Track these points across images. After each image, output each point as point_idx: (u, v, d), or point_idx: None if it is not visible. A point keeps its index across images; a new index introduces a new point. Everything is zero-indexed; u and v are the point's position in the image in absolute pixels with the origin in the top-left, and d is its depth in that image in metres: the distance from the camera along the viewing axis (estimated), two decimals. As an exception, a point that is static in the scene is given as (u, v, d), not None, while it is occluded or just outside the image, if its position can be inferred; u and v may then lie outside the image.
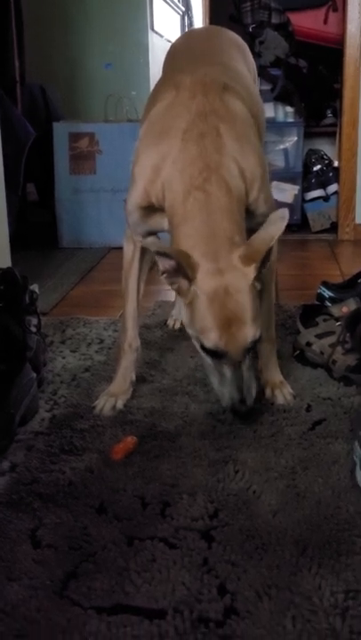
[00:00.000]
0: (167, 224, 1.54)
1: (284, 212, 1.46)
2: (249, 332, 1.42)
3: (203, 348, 1.45)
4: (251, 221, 1.58)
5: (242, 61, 1.93)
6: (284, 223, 1.45)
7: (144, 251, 1.74)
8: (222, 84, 1.59)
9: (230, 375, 1.46)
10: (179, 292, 1.46)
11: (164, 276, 1.44)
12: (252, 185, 1.54)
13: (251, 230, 1.51)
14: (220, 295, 1.41)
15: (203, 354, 1.48)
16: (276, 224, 1.45)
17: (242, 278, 1.42)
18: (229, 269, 1.42)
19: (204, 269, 1.41)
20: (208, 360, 1.47)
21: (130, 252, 1.74)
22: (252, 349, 1.47)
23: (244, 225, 1.50)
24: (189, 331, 1.48)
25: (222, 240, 1.43)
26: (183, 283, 1.44)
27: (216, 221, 1.44)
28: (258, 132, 1.71)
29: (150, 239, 1.52)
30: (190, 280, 1.42)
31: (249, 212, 1.57)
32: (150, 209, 1.59)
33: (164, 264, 1.42)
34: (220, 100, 1.55)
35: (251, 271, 1.42)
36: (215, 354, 1.44)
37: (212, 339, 1.42)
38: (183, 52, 1.95)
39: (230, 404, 1.48)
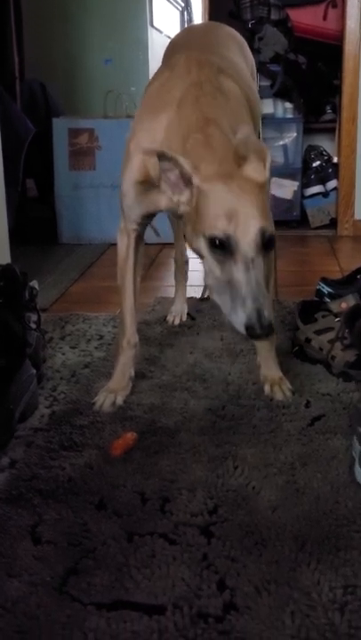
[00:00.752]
0: (164, 202, 1.51)
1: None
2: (259, 222, 1.28)
3: (212, 244, 1.30)
4: None
5: (239, 55, 1.93)
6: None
7: (138, 244, 1.74)
8: (217, 66, 1.58)
9: (243, 277, 1.27)
10: (182, 202, 1.37)
11: (166, 185, 1.37)
12: None
13: None
14: (226, 192, 1.31)
15: (211, 260, 1.32)
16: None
17: (250, 181, 1.33)
18: (235, 173, 1.33)
19: (209, 173, 1.33)
20: (218, 269, 1.31)
21: (124, 246, 1.74)
22: (266, 251, 1.31)
23: None
24: (194, 239, 1.35)
25: (226, 159, 1.36)
26: (186, 192, 1.35)
27: (218, 149, 1.38)
28: (252, 119, 1.70)
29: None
30: (193, 182, 1.33)
31: None
32: (146, 186, 1.56)
33: (166, 174, 1.35)
34: (215, 77, 1.54)
35: (260, 176, 1.34)
36: (224, 249, 1.28)
37: (220, 225, 1.28)
38: (182, 45, 1.95)
39: (245, 322, 1.27)
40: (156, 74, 1.71)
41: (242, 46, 2.03)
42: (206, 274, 1.37)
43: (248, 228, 1.28)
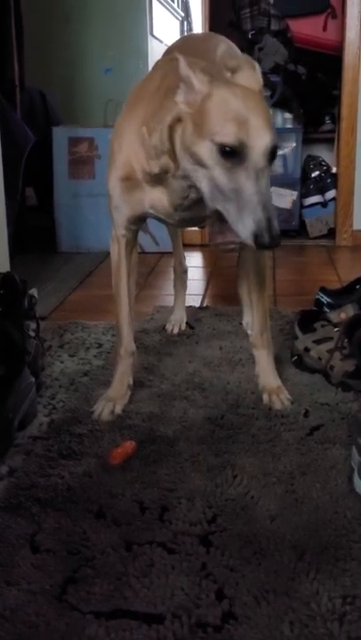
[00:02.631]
0: (147, 200, 1.54)
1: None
2: (269, 131, 1.28)
3: (221, 150, 1.27)
4: None
5: None
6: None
7: (130, 250, 1.74)
8: (202, 68, 1.53)
9: (253, 187, 1.26)
10: (186, 102, 1.33)
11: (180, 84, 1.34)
12: None
13: None
14: (234, 95, 1.29)
15: (217, 169, 1.29)
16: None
17: (252, 88, 1.32)
18: (233, 81, 1.33)
19: (215, 79, 1.32)
20: (224, 178, 1.28)
21: (115, 253, 1.74)
22: (270, 163, 1.30)
23: None
24: (195, 144, 1.32)
25: (218, 71, 1.35)
26: (193, 93, 1.32)
27: (207, 66, 1.36)
28: None
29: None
30: (196, 85, 1.31)
31: None
32: (131, 183, 1.56)
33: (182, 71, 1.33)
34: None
35: (257, 83, 1.34)
36: (233, 156, 1.26)
37: (230, 131, 1.25)
38: (175, 50, 1.97)
39: (254, 231, 1.26)
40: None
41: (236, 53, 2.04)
42: (201, 180, 1.34)
43: (260, 137, 1.26)
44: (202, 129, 1.29)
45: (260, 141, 1.27)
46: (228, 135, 1.26)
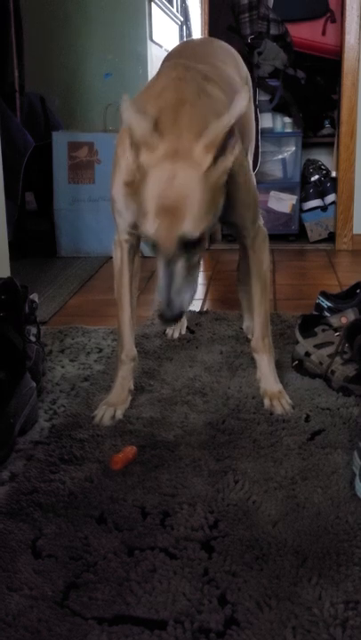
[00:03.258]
0: None
1: (245, 91, 1.35)
2: (184, 225, 1.30)
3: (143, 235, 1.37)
4: (231, 214, 1.58)
5: (233, 68, 1.93)
6: (244, 102, 1.31)
7: (133, 256, 1.74)
8: (204, 74, 1.56)
9: (161, 272, 1.35)
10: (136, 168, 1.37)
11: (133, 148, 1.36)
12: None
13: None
14: (164, 180, 1.31)
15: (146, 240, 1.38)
16: (235, 105, 1.31)
17: (194, 167, 1.30)
18: (185, 155, 1.31)
19: (159, 147, 1.31)
20: (151, 251, 1.38)
21: (118, 258, 1.74)
22: (194, 250, 1.35)
23: None
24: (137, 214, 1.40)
25: (189, 128, 1.33)
26: (137, 160, 1.35)
27: (184, 117, 1.35)
28: (240, 128, 1.70)
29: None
30: (140, 159, 1.33)
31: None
32: (134, 188, 1.52)
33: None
34: (201, 80, 1.51)
35: (206, 159, 1.30)
36: (151, 243, 1.34)
37: (145, 223, 1.33)
38: (175, 56, 1.97)
39: (159, 308, 1.38)
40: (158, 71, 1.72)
41: (236, 60, 2.04)
42: None
43: (170, 231, 1.31)
44: (139, 207, 1.37)
45: (168, 238, 1.32)
46: (143, 227, 1.34)
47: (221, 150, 1.32)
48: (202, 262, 1.38)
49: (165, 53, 4.94)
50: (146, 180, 1.32)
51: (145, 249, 1.77)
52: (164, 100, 1.40)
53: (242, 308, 2.33)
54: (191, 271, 1.38)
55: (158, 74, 1.64)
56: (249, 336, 2.11)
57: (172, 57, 1.99)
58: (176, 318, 1.39)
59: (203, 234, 1.34)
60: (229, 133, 1.32)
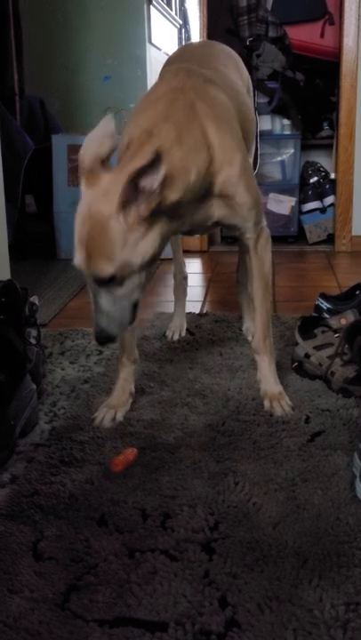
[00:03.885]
0: None
1: (149, 149, 1.33)
2: (92, 265, 1.34)
3: None
4: (233, 216, 1.60)
5: (235, 71, 1.94)
6: (144, 160, 1.28)
7: None
8: (207, 76, 1.59)
9: (91, 300, 1.42)
10: None
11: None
12: (222, 165, 1.51)
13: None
14: (83, 214, 1.35)
15: None
16: (135, 161, 1.31)
17: (106, 208, 1.31)
18: (108, 192, 1.32)
19: (99, 181, 1.33)
20: None
21: None
22: (112, 287, 1.38)
23: (189, 175, 1.42)
24: None
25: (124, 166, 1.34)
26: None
27: (145, 141, 1.37)
28: (244, 133, 1.70)
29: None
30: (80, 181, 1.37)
31: (226, 198, 1.56)
32: None
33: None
34: (203, 85, 1.55)
35: (113, 201, 1.31)
36: None
37: (74, 253, 1.37)
38: (176, 60, 1.97)
39: (93, 329, 1.44)
40: (160, 75, 1.73)
41: (237, 62, 2.04)
42: None
43: (85, 269, 1.36)
44: None
45: (86, 270, 1.37)
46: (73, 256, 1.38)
47: (130, 198, 1.31)
48: (141, 295, 1.45)
49: (165, 56, 4.96)
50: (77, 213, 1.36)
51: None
52: (144, 122, 1.43)
53: (241, 309, 2.33)
54: (120, 301, 1.41)
55: (160, 79, 1.65)
56: (249, 337, 2.10)
57: (172, 61, 1.99)
58: (106, 341, 1.45)
59: (117, 275, 1.35)
60: (141, 178, 1.29)
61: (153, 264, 1.46)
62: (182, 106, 1.47)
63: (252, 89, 2.18)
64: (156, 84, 1.62)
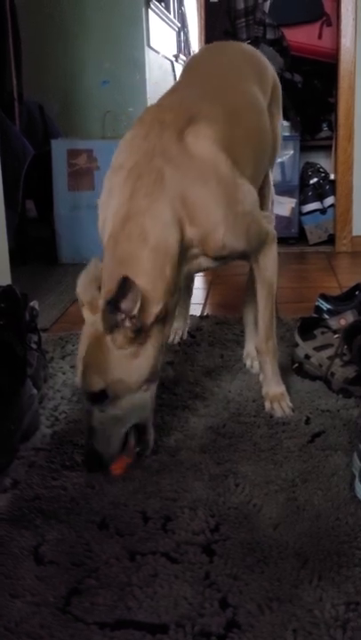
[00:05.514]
0: None
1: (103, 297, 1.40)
2: (87, 378, 1.39)
3: None
4: (230, 258, 1.60)
5: (253, 75, 1.89)
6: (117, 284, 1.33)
7: None
8: (189, 119, 1.51)
9: (84, 420, 1.46)
10: None
11: None
12: (206, 232, 1.48)
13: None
14: (85, 335, 1.43)
15: None
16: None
17: (92, 326, 1.41)
18: (93, 322, 1.41)
19: (94, 305, 1.43)
20: None
21: None
22: (105, 405, 1.40)
23: (165, 274, 1.42)
24: None
25: (108, 285, 1.39)
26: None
27: (114, 271, 1.40)
28: (255, 152, 1.69)
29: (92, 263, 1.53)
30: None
31: (225, 258, 1.58)
32: None
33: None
34: (177, 141, 1.48)
35: (97, 321, 1.39)
36: None
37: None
38: (193, 68, 1.94)
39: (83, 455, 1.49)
40: (138, 119, 1.61)
41: (258, 64, 1.99)
42: None
43: (82, 383, 1.40)
44: None
45: (82, 387, 1.41)
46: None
47: (113, 323, 1.36)
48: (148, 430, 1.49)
49: (163, 59, 4.97)
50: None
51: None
52: (113, 223, 1.45)
53: (245, 329, 2.14)
54: (114, 423, 1.41)
55: (140, 122, 1.56)
56: (247, 363, 2.04)
57: (188, 67, 1.96)
58: (95, 469, 1.44)
59: (108, 391, 1.38)
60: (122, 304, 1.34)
61: (156, 376, 1.47)
62: (147, 184, 1.44)
63: (280, 86, 2.13)
64: (131, 137, 1.55)
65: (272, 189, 2.19)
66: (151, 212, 1.42)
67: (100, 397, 1.38)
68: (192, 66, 2.02)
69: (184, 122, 1.51)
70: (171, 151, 1.47)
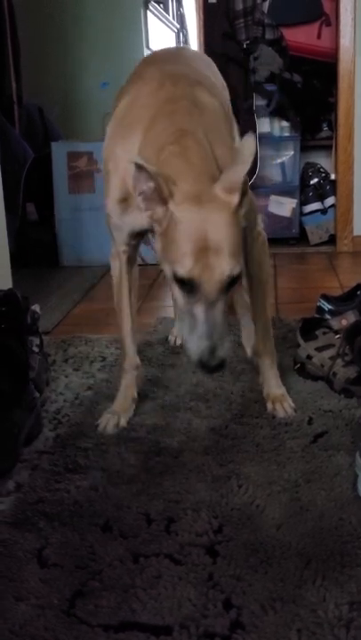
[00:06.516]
0: (146, 219, 1.39)
1: (249, 138, 1.34)
2: (227, 265, 1.28)
3: (176, 278, 1.31)
4: None
5: (209, 72, 1.91)
6: (252, 146, 1.32)
7: (131, 266, 1.75)
8: (192, 78, 1.58)
9: (202, 316, 1.30)
10: (154, 218, 1.35)
11: (140, 198, 1.34)
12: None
13: None
14: (198, 222, 1.29)
15: (176, 289, 1.33)
16: (244, 152, 1.32)
17: (223, 208, 1.30)
18: (210, 198, 1.30)
19: (183, 194, 1.30)
20: (181, 299, 1.33)
21: (117, 269, 1.75)
22: (229, 290, 1.32)
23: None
24: (163, 263, 1.36)
25: (202, 173, 1.34)
26: (160, 209, 1.32)
27: (194, 162, 1.36)
28: (230, 133, 1.70)
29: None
30: (168, 204, 1.30)
31: None
32: (129, 203, 1.55)
33: (141, 184, 1.31)
34: (190, 91, 1.52)
35: (233, 199, 1.31)
36: (188, 286, 1.29)
37: (186, 265, 1.27)
38: (152, 60, 1.93)
39: (198, 356, 1.31)
40: (127, 87, 1.66)
41: (211, 67, 2.01)
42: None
43: (213, 274, 1.28)
44: (166, 252, 1.33)
45: (213, 279, 1.28)
46: (182, 269, 1.28)
47: (242, 196, 1.33)
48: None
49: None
50: (176, 227, 1.30)
51: (146, 256, 1.78)
52: (163, 136, 1.42)
53: (240, 321, 2.14)
54: (226, 314, 1.35)
55: (143, 81, 1.59)
56: (248, 350, 2.03)
57: (147, 61, 1.91)
58: (217, 369, 1.32)
59: (239, 274, 1.32)
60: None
61: None
62: (183, 115, 1.46)
63: (226, 87, 2.14)
64: (140, 92, 1.57)
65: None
66: (197, 133, 1.42)
67: (234, 281, 1.31)
68: (150, 59, 1.99)
69: (191, 80, 1.56)
70: (190, 96, 1.50)
